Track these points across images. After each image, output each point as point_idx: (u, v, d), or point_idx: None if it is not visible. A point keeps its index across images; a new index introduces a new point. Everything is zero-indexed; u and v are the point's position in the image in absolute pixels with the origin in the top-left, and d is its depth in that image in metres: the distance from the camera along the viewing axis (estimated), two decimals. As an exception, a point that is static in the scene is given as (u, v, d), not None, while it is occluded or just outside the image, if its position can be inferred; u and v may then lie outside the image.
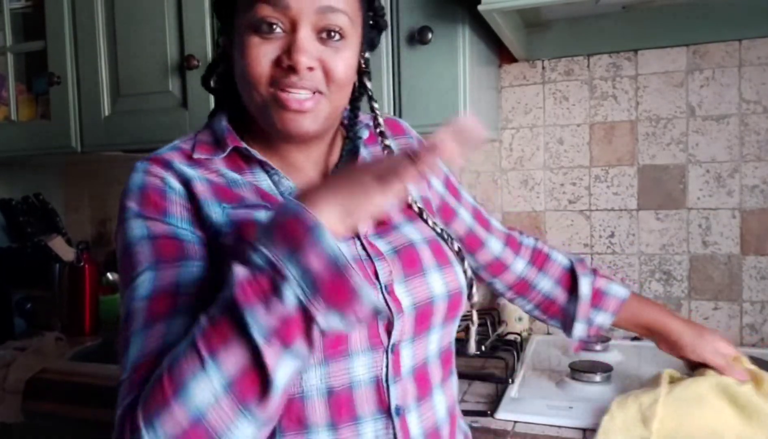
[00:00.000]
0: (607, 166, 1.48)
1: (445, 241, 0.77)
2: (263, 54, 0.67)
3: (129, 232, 0.65)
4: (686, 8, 1.37)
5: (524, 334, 1.46)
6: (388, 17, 1.22)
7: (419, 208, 0.78)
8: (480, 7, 1.08)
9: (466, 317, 0.76)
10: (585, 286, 0.99)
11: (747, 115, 1.38)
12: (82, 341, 1.59)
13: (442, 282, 0.73)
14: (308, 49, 0.66)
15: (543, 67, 1.52)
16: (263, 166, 0.72)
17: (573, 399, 1.06)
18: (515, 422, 1.00)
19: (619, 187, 1.48)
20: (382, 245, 0.72)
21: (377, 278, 0.69)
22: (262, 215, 0.67)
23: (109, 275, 1.82)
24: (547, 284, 1.01)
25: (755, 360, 1.18)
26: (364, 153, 0.80)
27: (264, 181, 0.72)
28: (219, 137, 0.72)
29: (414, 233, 0.75)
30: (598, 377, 1.11)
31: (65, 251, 1.72)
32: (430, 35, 1.19)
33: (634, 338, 1.42)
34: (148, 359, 0.58)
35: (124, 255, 0.65)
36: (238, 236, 0.65)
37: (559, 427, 0.97)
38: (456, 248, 0.76)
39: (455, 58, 1.21)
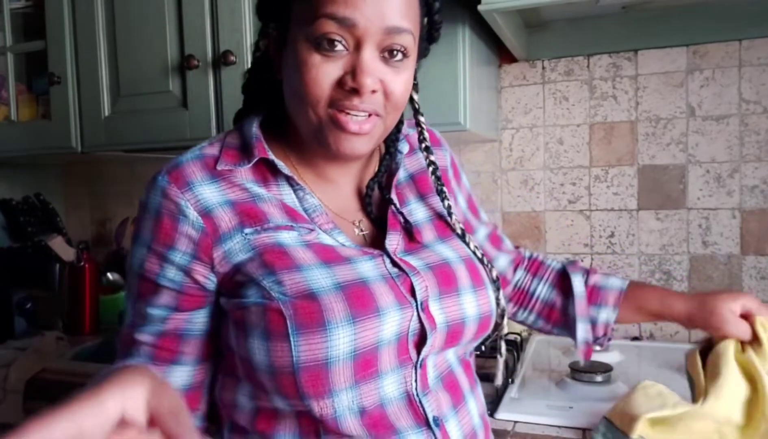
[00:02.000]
0: (607, 166, 1.48)
1: (483, 264, 0.76)
2: (324, 73, 0.63)
3: (134, 256, 0.68)
4: (686, 8, 1.37)
5: (524, 334, 1.46)
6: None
7: (462, 229, 0.77)
8: (480, 7, 1.08)
9: (493, 347, 0.76)
10: (577, 283, 0.94)
11: (747, 116, 1.38)
12: (83, 340, 1.59)
13: (475, 304, 0.72)
14: (373, 70, 0.63)
15: (543, 67, 1.52)
16: (289, 180, 0.70)
17: (573, 399, 1.06)
18: (515, 422, 1.00)
19: (619, 187, 1.48)
20: (414, 261, 0.70)
21: (413, 294, 0.67)
22: (285, 237, 0.65)
23: (109, 275, 1.81)
24: (543, 289, 0.97)
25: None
26: (402, 173, 0.79)
27: (288, 195, 0.69)
28: (247, 144, 0.70)
29: (447, 251, 0.74)
30: (598, 377, 1.11)
31: (65, 251, 1.72)
32: (430, 35, 1.19)
33: (634, 338, 1.42)
34: None
35: (128, 268, 0.70)
36: (262, 263, 0.64)
37: (559, 427, 0.97)
38: (494, 276, 0.76)
39: (455, 58, 1.21)
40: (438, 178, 0.78)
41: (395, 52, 0.64)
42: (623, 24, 1.43)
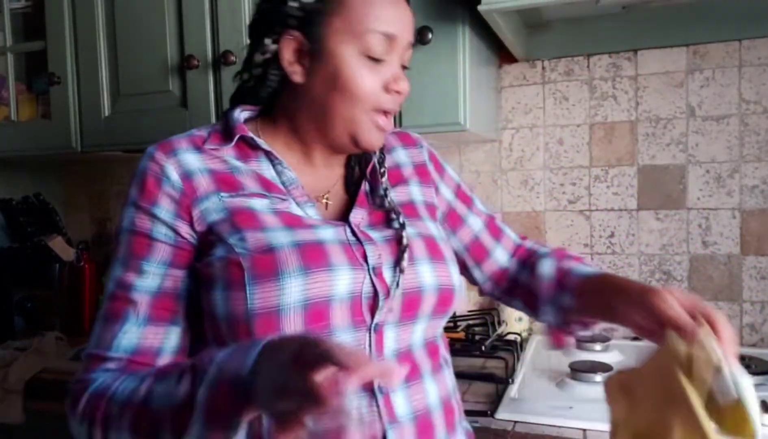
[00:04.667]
0: (607, 166, 1.48)
1: (443, 242, 0.80)
2: (375, 80, 0.73)
3: (123, 218, 0.73)
4: (686, 8, 1.37)
5: (524, 334, 1.46)
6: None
7: (397, 212, 0.78)
8: (480, 7, 1.08)
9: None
10: (546, 266, 0.88)
11: (747, 116, 1.38)
12: (83, 340, 1.59)
13: (432, 274, 0.75)
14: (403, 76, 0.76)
15: (543, 68, 1.52)
16: (268, 155, 0.76)
17: (573, 399, 1.06)
18: (515, 422, 1.00)
19: (619, 187, 1.48)
20: (373, 233, 0.75)
21: (365, 260, 0.72)
22: (257, 203, 0.72)
23: (109, 275, 1.81)
24: (523, 275, 0.92)
25: (755, 360, 1.18)
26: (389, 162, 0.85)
27: (267, 170, 0.76)
28: (230, 127, 0.77)
29: (409, 228, 0.78)
30: (598, 377, 1.11)
31: (65, 251, 1.72)
32: (430, 35, 1.19)
33: (634, 338, 1.42)
34: (95, 353, 0.71)
35: (116, 235, 0.74)
36: (231, 223, 0.70)
37: (559, 427, 0.97)
38: (450, 254, 0.80)
39: (455, 58, 1.21)
40: (382, 169, 0.83)
41: (404, 66, 0.77)
42: (623, 24, 1.42)
